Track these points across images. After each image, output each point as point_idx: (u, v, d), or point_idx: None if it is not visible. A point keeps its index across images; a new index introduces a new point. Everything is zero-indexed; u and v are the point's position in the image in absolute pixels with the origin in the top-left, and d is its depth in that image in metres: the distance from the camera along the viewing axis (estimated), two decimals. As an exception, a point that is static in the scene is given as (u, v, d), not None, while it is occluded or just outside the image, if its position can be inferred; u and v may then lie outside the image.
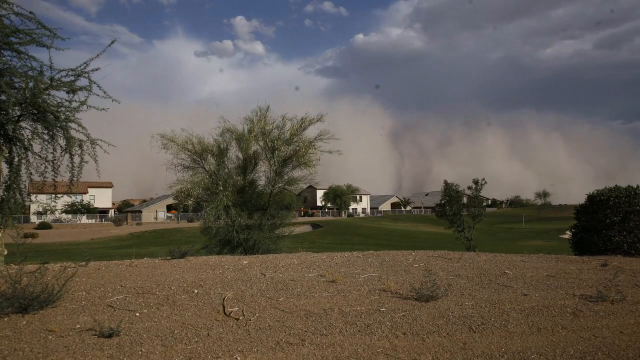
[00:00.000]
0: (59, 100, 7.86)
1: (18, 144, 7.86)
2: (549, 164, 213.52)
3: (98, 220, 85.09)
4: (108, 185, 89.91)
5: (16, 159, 7.87)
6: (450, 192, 23.06)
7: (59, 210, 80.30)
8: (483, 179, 23.70)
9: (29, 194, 8.59)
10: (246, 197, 14.82)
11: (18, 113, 7.67)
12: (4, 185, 7.86)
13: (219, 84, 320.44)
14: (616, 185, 12.72)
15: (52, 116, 7.66)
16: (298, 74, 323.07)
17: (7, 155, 7.80)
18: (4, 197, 7.78)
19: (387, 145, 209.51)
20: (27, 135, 7.93)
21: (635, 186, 12.54)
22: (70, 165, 8.04)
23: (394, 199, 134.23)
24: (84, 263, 8.57)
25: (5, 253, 8.30)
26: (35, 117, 7.71)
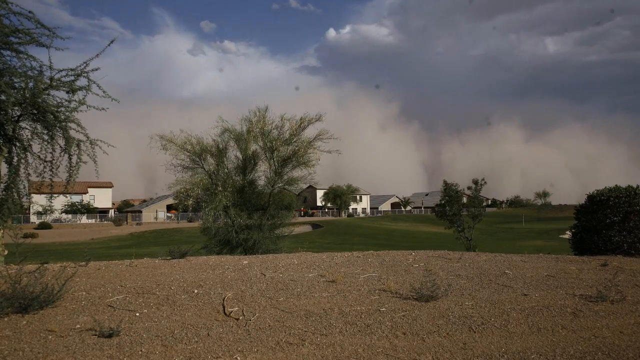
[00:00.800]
0: (59, 100, 7.85)
1: (17, 144, 7.85)
2: (574, 150, 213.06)
3: (98, 220, 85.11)
4: (108, 185, 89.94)
5: (15, 159, 7.84)
6: (450, 192, 23.04)
7: (59, 210, 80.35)
8: (483, 179, 23.68)
9: (28, 194, 8.58)
10: (246, 197, 14.82)
11: (18, 113, 7.66)
12: (3, 185, 7.84)
13: (198, 83, 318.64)
14: (616, 185, 12.73)
15: (51, 116, 7.65)
16: (283, 71, 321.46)
17: (6, 155, 7.79)
18: (3, 197, 7.76)
19: (393, 140, 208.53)
20: (27, 136, 7.91)
21: (635, 186, 12.55)
22: (68, 165, 8.04)
23: (394, 199, 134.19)
24: (83, 263, 8.57)
25: (5, 253, 8.31)
26: (34, 117, 7.70)
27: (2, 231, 8.15)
